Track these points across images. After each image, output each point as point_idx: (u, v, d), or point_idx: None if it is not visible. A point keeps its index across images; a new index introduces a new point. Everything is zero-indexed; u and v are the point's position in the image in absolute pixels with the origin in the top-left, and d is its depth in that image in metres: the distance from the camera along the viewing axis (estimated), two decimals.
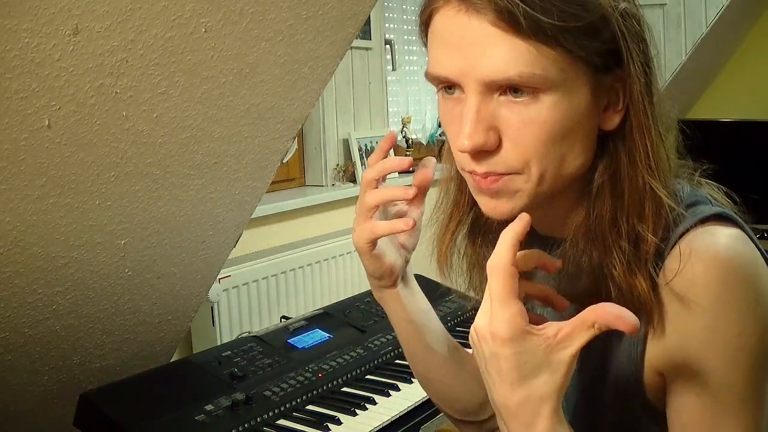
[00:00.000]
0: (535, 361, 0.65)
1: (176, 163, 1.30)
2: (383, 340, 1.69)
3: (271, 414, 1.39)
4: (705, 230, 0.75)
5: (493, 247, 0.83)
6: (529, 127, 0.71)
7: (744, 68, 4.34)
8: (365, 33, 2.99)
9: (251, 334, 1.69)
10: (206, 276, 1.63)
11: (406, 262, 0.95)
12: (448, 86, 0.74)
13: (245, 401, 1.39)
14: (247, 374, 1.48)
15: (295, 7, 1.23)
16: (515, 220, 0.69)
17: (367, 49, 3.03)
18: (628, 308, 0.71)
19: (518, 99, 0.70)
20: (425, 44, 0.76)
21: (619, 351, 0.80)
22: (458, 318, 1.86)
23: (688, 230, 0.75)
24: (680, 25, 3.74)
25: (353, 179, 2.96)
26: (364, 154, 3.00)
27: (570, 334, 0.65)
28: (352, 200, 2.95)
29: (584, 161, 0.76)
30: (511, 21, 0.67)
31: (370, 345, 1.67)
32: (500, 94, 0.71)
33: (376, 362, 1.61)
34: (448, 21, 0.71)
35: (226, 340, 2.22)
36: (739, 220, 0.79)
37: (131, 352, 1.61)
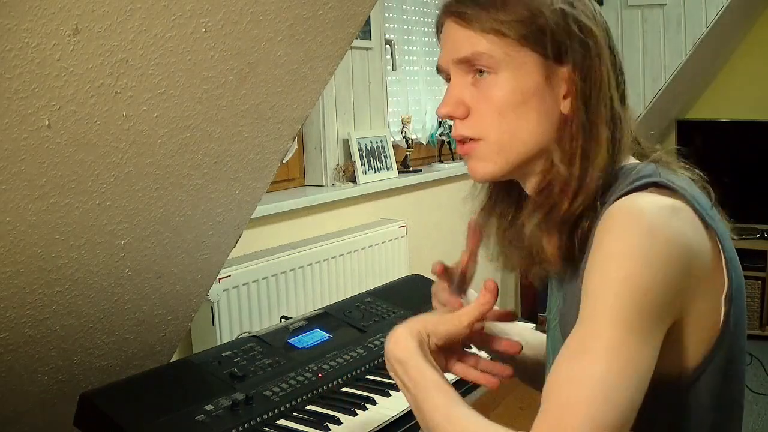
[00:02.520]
0: None
1: (176, 163, 1.30)
2: (383, 340, 1.68)
3: (271, 414, 1.39)
4: (633, 195, 0.85)
5: (499, 223, 1.05)
6: (485, 99, 0.92)
7: (744, 68, 4.34)
8: (365, 33, 2.99)
9: (251, 334, 1.69)
10: (206, 276, 1.63)
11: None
12: (447, 76, 0.97)
13: (245, 401, 1.39)
14: (247, 374, 1.48)
15: (295, 7, 1.23)
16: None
17: (367, 49, 3.04)
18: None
19: (481, 78, 0.92)
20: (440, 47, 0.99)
21: (575, 293, 0.89)
22: None
23: (623, 195, 0.85)
24: (680, 25, 3.74)
25: (353, 179, 2.96)
26: (363, 155, 3.00)
27: None
28: (352, 200, 2.95)
29: (540, 136, 0.92)
30: (465, 19, 0.91)
31: (370, 345, 1.67)
32: (471, 76, 0.93)
33: (376, 362, 1.61)
34: (445, 28, 0.96)
35: (226, 340, 2.22)
36: (685, 193, 0.86)
37: (131, 352, 1.61)
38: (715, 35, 3.79)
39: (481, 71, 0.91)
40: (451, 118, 0.95)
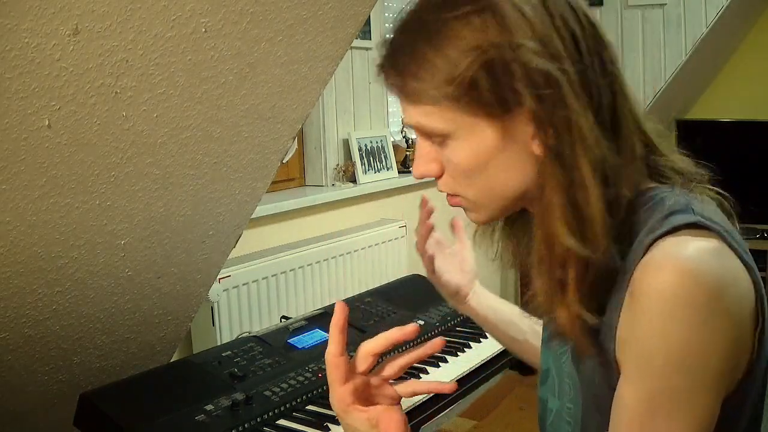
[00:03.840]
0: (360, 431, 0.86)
1: (176, 163, 1.30)
2: None
3: (271, 414, 1.39)
4: (675, 239, 0.77)
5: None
6: (449, 164, 0.84)
7: (744, 68, 4.34)
8: (365, 33, 2.99)
9: (251, 334, 1.69)
10: (206, 276, 1.63)
11: (472, 280, 1.18)
12: None
13: (245, 401, 1.39)
14: (247, 374, 1.48)
15: (295, 7, 1.23)
16: (335, 312, 0.87)
17: (367, 49, 3.04)
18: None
19: (440, 141, 0.83)
20: None
21: (604, 343, 0.83)
22: (458, 318, 1.86)
23: (657, 240, 0.77)
24: (680, 25, 3.74)
25: (353, 179, 2.96)
26: (364, 155, 3.00)
27: (380, 416, 0.86)
28: (352, 200, 2.95)
29: (520, 182, 0.83)
30: (401, 94, 0.83)
31: None
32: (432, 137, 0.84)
33: (376, 362, 1.61)
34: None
35: (226, 340, 2.22)
36: (722, 230, 0.78)
37: (131, 352, 1.61)
38: (715, 35, 3.79)
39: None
40: (430, 177, 0.87)
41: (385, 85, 0.84)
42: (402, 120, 0.91)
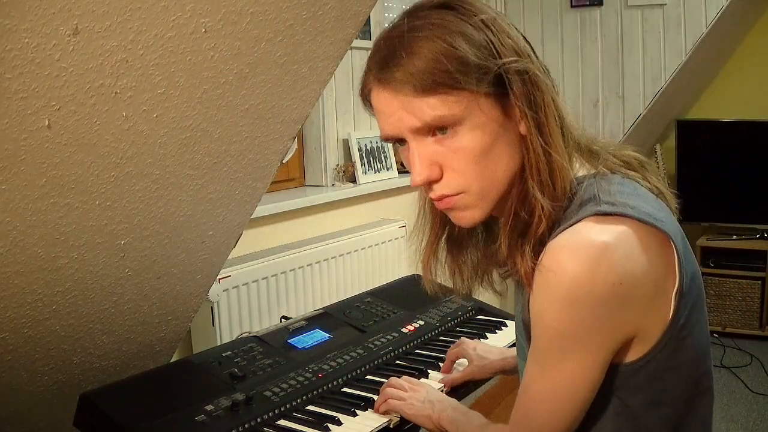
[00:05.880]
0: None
1: (176, 163, 1.30)
2: (383, 340, 1.69)
3: (271, 414, 1.39)
4: (572, 229, 0.90)
5: (467, 253, 1.12)
6: (458, 154, 0.92)
7: (744, 68, 4.34)
8: (365, 33, 2.99)
9: (251, 334, 1.69)
10: (206, 276, 1.63)
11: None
12: (398, 141, 0.97)
13: (245, 401, 1.39)
14: (247, 374, 1.48)
15: (295, 7, 1.23)
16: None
17: (367, 49, 3.04)
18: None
19: (444, 135, 0.92)
20: (373, 115, 1.00)
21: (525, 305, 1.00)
22: (458, 318, 1.86)
23: (570, 225, 0.90)
24: (680, 25, 3.74)
25: (353, 179, 2.96)
26: (363, 155, 3.00)
27: None
28: (352, 200, 2.95)
29: (514, 164, 0.94)
30: (416, 88, 0.90)
31: (370, 345, 1.67)
32: (431, 136, 0.93)
33: (376, 362, 1.61)
34: (377, 97, 0.96)
35: (226, 340, 2.23)
36: (626, 211, 0.89)
37: (131, 352, 1.61)
38: (715, 35, 3.79)
39: (443, 129, 0.92)
40: (429, 183, 0.95)
41: (388, 93, 0.92)
42: (393, 133, 0.96)
